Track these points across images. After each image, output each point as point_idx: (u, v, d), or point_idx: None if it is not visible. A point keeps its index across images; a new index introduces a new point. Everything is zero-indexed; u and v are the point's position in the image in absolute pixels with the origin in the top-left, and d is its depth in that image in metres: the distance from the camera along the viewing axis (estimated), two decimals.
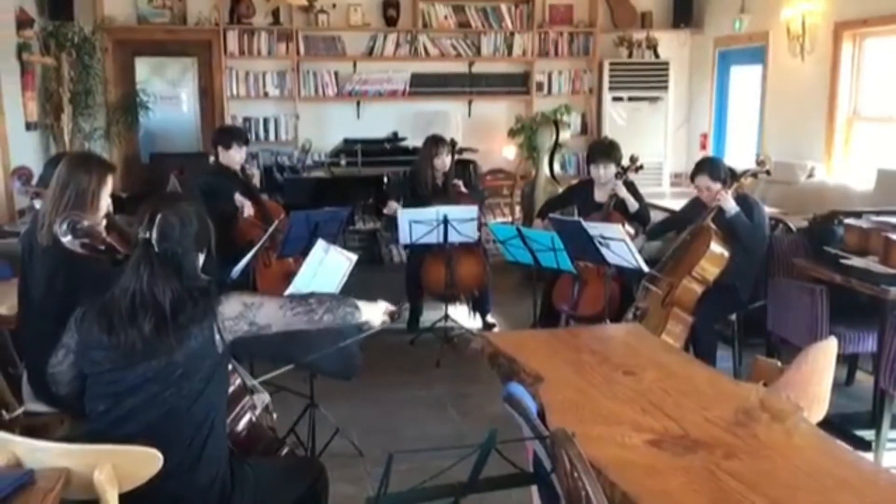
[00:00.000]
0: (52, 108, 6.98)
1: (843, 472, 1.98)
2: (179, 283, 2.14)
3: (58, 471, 1.91)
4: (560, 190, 7.00)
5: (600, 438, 2.13)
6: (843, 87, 6.40)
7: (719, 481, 1.90)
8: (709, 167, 4.45)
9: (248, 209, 4.89)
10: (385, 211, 5.74)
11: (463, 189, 5.61)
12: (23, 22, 6.45)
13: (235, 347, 2.27)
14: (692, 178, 4.50)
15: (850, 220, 4.26)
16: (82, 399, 2.23)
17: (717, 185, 4.34)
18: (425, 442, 3.90)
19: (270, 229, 4.42)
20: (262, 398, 2.81)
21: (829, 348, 2.74)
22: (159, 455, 1.97)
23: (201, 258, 2.29)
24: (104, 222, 2.94)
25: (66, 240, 2.56)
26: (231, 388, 2.54)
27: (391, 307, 2.48)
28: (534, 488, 2.24)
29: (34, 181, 3.74)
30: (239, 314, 2.16)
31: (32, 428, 2.94)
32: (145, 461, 1.97)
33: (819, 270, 4.08)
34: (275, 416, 2.92)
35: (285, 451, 2.81)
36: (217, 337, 2.13)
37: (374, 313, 2.42)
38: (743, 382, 2.75)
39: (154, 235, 2.16)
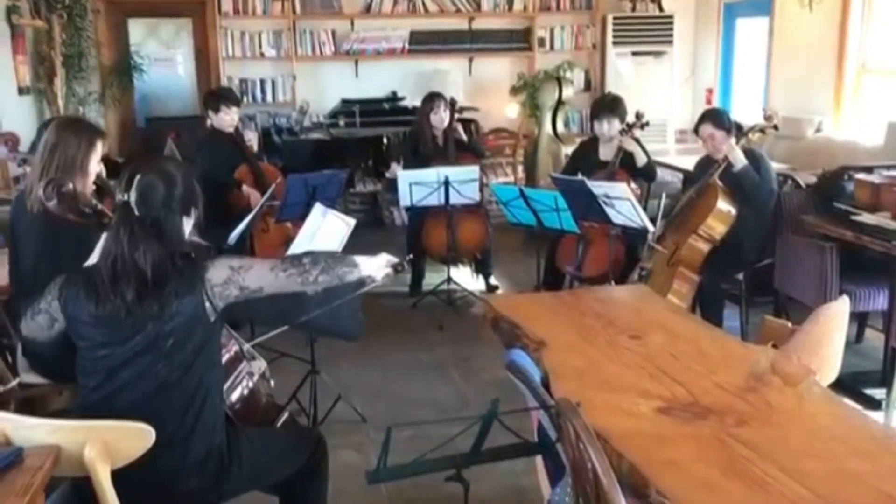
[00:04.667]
0: (45, 73, 6.85)
1: (855, 438, 1.92)
2: (161, 249, 2.07)
3: (47, 448, 1.86)
4: (563, 150, 6.89)
5: (606, 406, 2.08)
6: (853, 39, 6.22)
7: (730, 449, 1.84)
8: (712, 115, 4.38)
9: (253, 194, 4.78)
10: (387, 174, 5.63)
11: (462, 136, 5.51)
12: None
13: (232, 313, 2.20)
14: (696, 129, 4.43)
15: (860, 175, 4.15)
16: (71, 365, 2.17)
17: (721, 133, 4.25)
18: (429, 406, 3.86)
19: (267, 194, 4.34)
20: (259, 365, 2.74)
21: (840, 309, 2.66)
22: (151, 430, 1.92)
23: (187, 223, 2.20)
24: (94, 187, 2.89)
25: (52, 204, 2.49)
26: (227, 356, 2.49)
27: (393, 259, 2.38)
28: (539, 458, 2.19)
29: (21, 146, 3.66)
30: (227, 279, 2.09)
31: (28, 400, 2.90)
32: (137, 437, 1.92)
33: (829, 227, 3.99)
34: (272, 382, 2.86)
35: (284, 417, 2.76)
36: (207, 305, 2.07)
37: (376, 267, 2.32)
38: (752, 344, 2.69)
39: (133, 198, 2.08)
